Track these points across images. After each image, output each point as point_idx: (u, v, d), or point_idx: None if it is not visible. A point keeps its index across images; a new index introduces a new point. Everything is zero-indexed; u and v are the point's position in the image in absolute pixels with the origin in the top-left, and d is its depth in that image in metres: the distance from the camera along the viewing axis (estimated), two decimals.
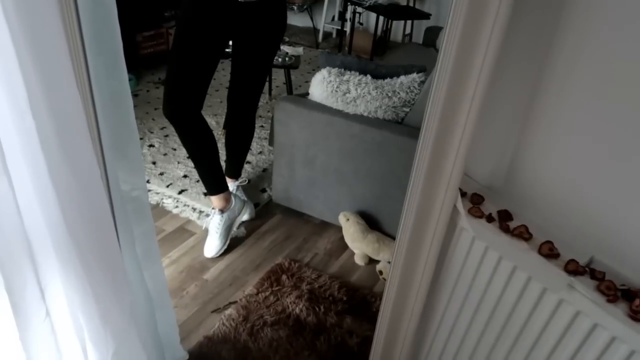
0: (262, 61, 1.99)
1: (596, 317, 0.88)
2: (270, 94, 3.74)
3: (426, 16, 4.45)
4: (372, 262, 2.14)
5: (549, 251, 0.96)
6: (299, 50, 3.56)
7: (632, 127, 0.85)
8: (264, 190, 2.59)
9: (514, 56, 0.97)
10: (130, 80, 1.23)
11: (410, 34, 5.14)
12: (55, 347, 0.94)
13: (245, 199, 2.33)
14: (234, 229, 2.20)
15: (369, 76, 2.13)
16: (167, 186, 2.54)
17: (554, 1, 0.90)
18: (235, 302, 1.86)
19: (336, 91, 2.08)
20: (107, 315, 0.97)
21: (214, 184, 2.11)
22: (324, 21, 5.44)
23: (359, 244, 2.13)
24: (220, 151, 2.07)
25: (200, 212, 2.36)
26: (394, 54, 3.90)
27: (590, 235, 0.97)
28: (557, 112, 0.95)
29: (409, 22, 5.08)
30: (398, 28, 5.22)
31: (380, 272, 2.07)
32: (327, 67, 2.18)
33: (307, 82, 3.42)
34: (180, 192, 2.50)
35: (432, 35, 3.64)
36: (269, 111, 3.45)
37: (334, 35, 5.57)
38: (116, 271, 0.98)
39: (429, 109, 0.97)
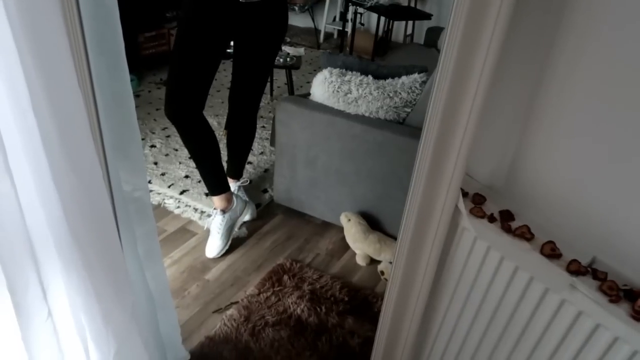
0: (263, 62, 2.00)
1: (598, 318, 0.88)
2: (271, 94, 3.74)
3: (427, 16, 4.45)
4: (373, 262, 2.14)
5: (551, 251, 0.96)
6: (301, 50, 3.57)
7: (632, 128, 0.85)
8: (265, 191, 2.59)
9: (515, 57, 0.97)
10: (132, 80, 1.23)
11: (412, 35, 5.14)
12: (57, 347, 0.94)
13: (247, 199, 2.33)
14: (236, 229, 2.20)
15: (370, 76, 2.13)
16: (169, 186, 2.55)
17: (555, 2, 0.90)
18: (236, 302, 1.86)
19: (337, 91, 2.08)
20: (109, 315, 0.97)
21: (215, 185, 2.11)
22: (325, 22, 5.44)
23: (360, 244, 2.13)
24: (221, 151, 2.07)
25: (202, 212, 2.36)
26: (395, 54, 3.90)
27: (592, 235, 0.96)
28: (559, 112, 0.95)
29: (410, 23, 5.08)
30: (399, 28, 5.22)
31: (382, 273, 2.07)
32: (329, 68, 2.18)
33: (309, 82, 3.43)
34: (181, 193, 2.50)
35: (434, 35, 3.64)
36: (270, 112, 3.45)
37: (335, 35, 5.57)
38: (118, 271, 0.99)
39: (431, 109, 0.97)
